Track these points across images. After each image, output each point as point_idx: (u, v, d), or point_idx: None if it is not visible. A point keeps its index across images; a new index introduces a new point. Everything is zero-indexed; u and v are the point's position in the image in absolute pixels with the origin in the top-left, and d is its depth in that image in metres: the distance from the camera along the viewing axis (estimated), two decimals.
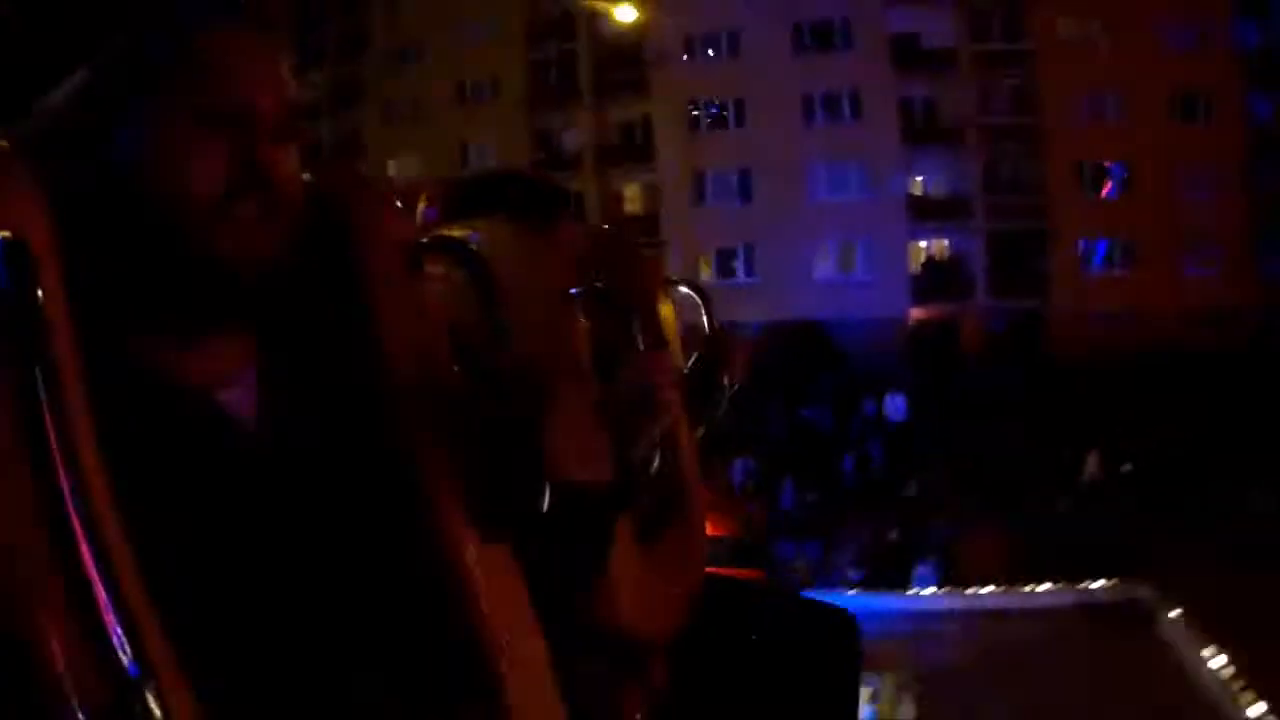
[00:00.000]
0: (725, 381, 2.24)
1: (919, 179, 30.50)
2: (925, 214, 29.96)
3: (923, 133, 29.53)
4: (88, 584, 0.67)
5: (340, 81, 33.84)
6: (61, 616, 0.66)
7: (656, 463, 1.62)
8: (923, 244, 30.52)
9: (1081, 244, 29.25)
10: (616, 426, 1.44)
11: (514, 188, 1.54)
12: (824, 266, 30.26)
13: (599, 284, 1.58)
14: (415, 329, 1.12)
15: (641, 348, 1.65)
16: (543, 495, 1.11)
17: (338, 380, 1.04)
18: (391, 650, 0.98)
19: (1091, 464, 20.73)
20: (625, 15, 25.05)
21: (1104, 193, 28.99)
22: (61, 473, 0.68)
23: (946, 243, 30.47)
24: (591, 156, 32.14)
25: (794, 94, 29.60)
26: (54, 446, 0.68)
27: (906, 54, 29.00)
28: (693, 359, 2.15)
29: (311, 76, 31.66)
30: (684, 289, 2.24)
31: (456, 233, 1.37)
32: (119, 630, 0.67)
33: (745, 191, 30.67)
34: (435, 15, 31.80)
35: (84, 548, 0.67)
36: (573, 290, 1.51)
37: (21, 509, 0.68)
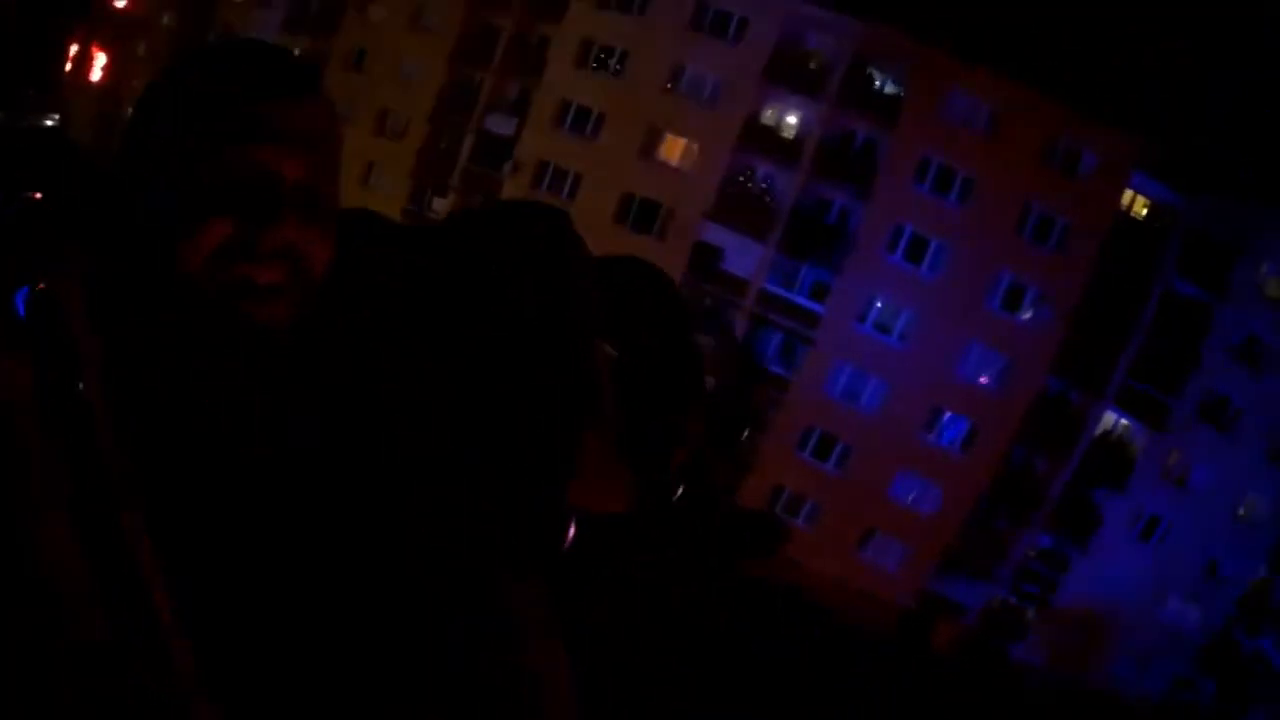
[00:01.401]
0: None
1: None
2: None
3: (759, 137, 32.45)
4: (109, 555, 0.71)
5: None
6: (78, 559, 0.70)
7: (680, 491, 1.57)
8: None
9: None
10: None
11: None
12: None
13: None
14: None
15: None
16: (566, 533, 1.12)
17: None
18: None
19: None
20: None
21: None
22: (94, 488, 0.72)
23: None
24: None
25: (668, 64, 32.57)
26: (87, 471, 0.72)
27: (782, 68, 31.61)
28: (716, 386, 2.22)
29: None
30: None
31: None
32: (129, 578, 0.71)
33: (595, 131, 33.65)
34: None
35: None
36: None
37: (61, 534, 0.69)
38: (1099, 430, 30.88)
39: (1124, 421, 30.98)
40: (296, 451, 0.93)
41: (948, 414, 30.72)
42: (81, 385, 0.76)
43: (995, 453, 30.22)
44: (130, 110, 1.01)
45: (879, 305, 31.25)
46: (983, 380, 30.40)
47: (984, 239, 29.44)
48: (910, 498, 31.02)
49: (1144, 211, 30.54)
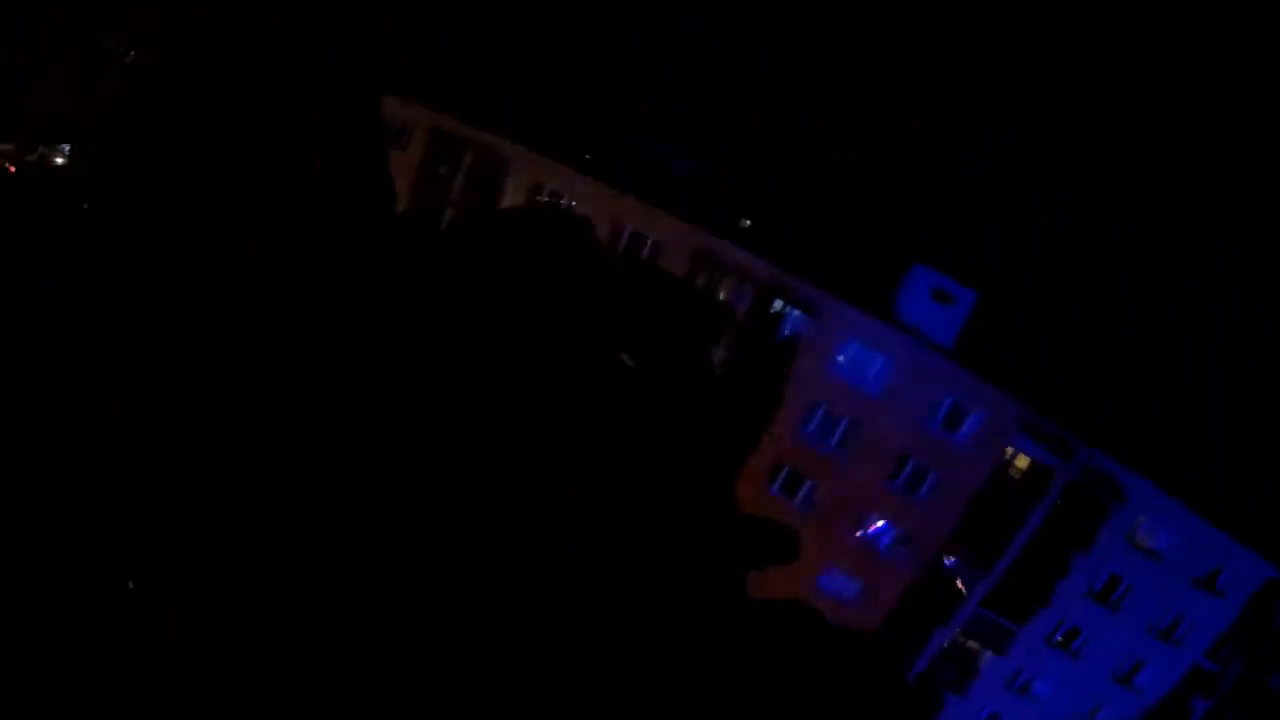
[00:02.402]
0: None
1: None
2: None
3: None
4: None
5: None
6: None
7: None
8: None
9: None
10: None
11: None
12: None
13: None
14: None
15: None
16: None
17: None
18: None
19: None
20: None
21: None
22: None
23: None
24: None
25: None
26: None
27: None
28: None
29: None
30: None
31: None
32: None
33: None
34: None
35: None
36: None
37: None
38: (946, 643, 32.11)
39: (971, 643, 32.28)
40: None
41: None
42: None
43: None
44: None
45: None
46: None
47: (855, 484, 29.81)
48: None
49: (1023, 467, 31.38)
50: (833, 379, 28.54)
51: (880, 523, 30.32)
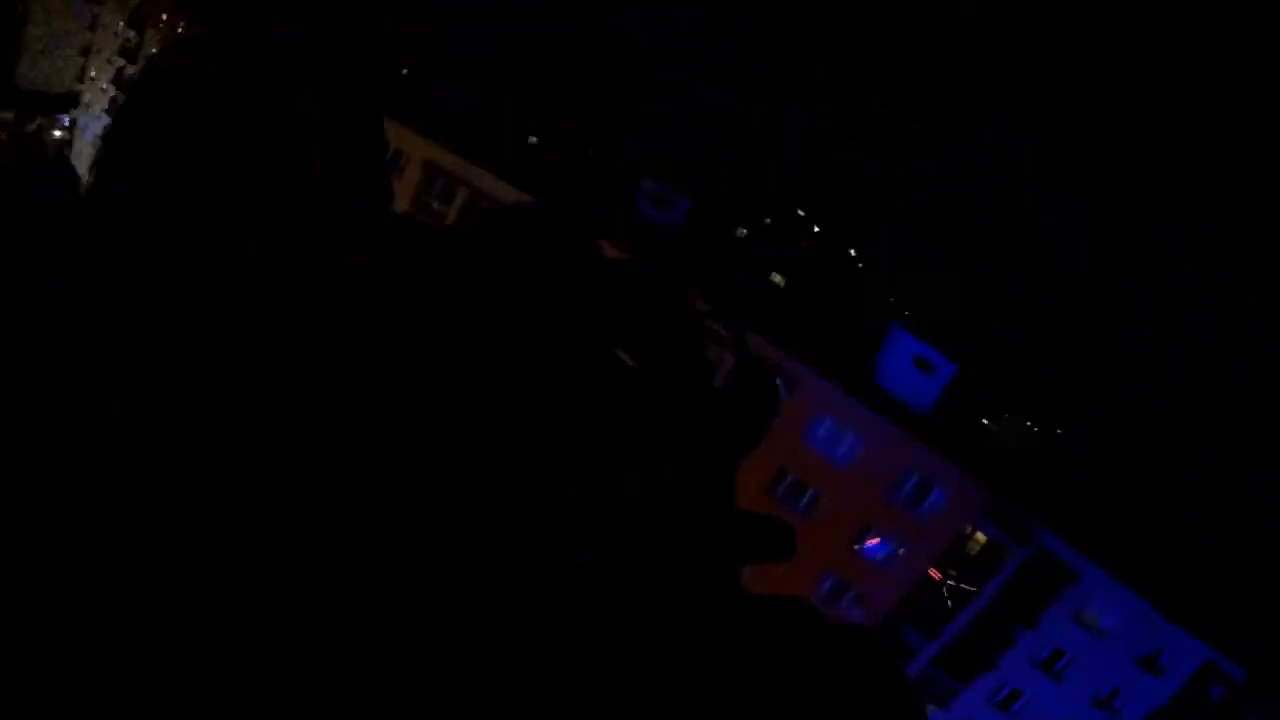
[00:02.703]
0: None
1: None
2: None
3: None
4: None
5: None
6: None
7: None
8: None
9: None
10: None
11: None
12: None
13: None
14: None
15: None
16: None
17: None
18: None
19: None
20: None
21: None
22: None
23: None
24: None
25: None
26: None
27: None
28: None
29: None
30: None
31: None
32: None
33: None
34: None
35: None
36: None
37: None
38: None
39: None
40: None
41: None
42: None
43: None
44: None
45: None
46: None
47: (819, 543, 30.03)
48: None
49: (982, 541, 31.76)
50: (803, 447, 28.72)
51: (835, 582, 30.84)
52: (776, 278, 32.45)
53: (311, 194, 0.93)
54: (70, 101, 43.43)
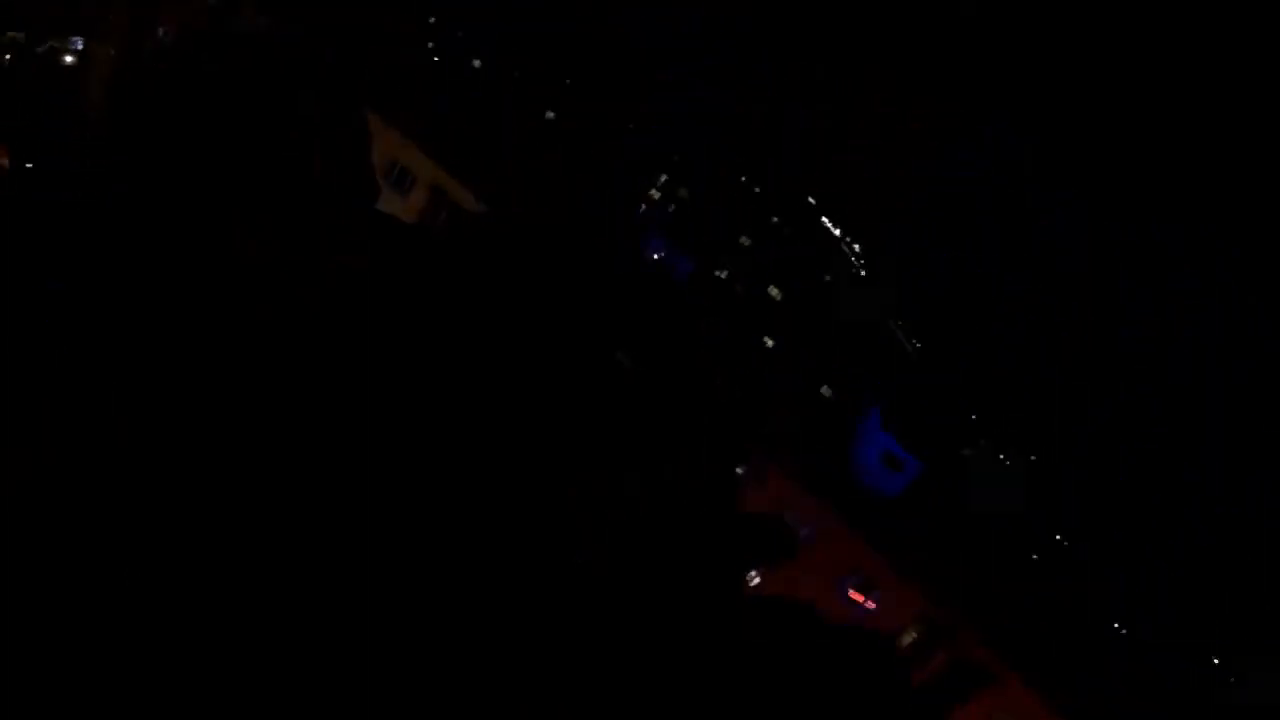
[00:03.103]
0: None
1: None
2: None
3: None
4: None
5: None
6: None
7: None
8: None
9: None
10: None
11: None
12: None
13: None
14: None
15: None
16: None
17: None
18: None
19: None
20: None
21: None
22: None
23: None
24: None
25: None
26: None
27: None
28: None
29: None
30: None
31: None
32: None
33: None
34: None
35: None
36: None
37: None
38: None
39: None
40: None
41: None
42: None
43: None
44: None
45: None
46: None
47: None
48: None
49: (909, 641, 32.43)
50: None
51: None
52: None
53: (312, 194, 0.93)
54: (83, 23, 43.30)
